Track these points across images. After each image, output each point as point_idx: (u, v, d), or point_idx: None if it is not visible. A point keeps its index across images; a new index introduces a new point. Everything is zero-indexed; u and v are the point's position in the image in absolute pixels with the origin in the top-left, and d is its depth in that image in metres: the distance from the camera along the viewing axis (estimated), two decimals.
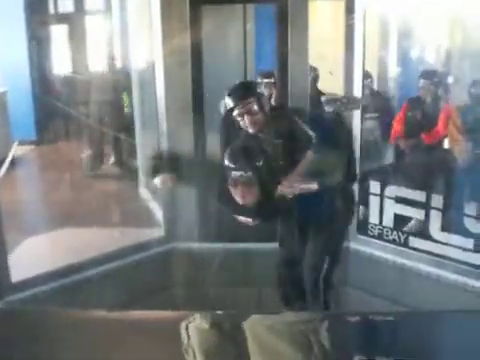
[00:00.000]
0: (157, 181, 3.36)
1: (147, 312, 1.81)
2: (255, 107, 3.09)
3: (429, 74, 4.83)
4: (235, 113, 3.12)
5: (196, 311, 1.64)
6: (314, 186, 2.98)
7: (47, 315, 1.73)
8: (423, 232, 4.06)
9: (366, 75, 4.48)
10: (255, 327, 1.61)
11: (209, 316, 1.65)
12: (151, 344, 1.50)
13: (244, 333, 1.56)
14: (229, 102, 3.15)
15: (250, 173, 2.93)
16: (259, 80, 5.42)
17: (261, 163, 2.96)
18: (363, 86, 4.16)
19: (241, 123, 3.14)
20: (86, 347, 1.52)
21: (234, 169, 2.97)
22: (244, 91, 3.17)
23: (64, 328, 1.60)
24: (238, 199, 3.00)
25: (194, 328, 1.61)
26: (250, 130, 3.13)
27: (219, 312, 1.70)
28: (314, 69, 4.94)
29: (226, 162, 3.00)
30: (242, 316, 1.64)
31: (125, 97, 6.17)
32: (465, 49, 4.55)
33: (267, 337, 1.55)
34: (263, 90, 5.41)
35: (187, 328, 1.58)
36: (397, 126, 4.90)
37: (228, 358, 1.50)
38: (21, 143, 7.46)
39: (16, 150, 7.20)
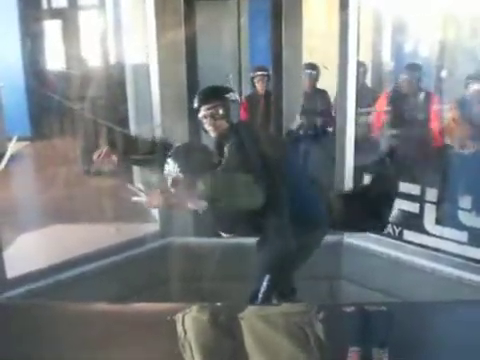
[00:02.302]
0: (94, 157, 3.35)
1: (144, 304, 1.82)
2: (220, 111, 3.10)
3: (410, 67, 4.88)
4: (199, 115, 3.14)
5: (193, 303, 1.65)
6: (198, 206, 2.88)
7: (44, 308, 1.74)
8: (417, 225, 4.08)
9: (360, 65, 4.48)
10: (251, 319, 1.62)
11: (205, 308, 1.66)
12: (148, 335, 1.51)
13: (240, 326, 1.56)
14: (195, 102, 3.17)
15: (179, 171, 2.94)
16: (252, 74, 5.46)
17: (199, 168, 2.95)
18: (357, 80, 4.17)
19: (204, 125, 3.15)
20: (82, 339, 1.53)
21: (169, 166, 2.98)
22: (211, 94, 3.19)
23: (61, 321, 1.61)
24: None
25: (191, 321, 1.62)
26: (211, 134, 3.16)
27: (215, 304, 1.71)
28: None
29: (167, 158, 3.02)
30: (238, 308, 1.65)
31: (121, 92, 6.14)
32: (459, 43, 4.57)
33: (263, 329, 1.56)
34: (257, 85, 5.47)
35: (183, 323, 1.59)
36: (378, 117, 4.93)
37: (225, 351, 1.51)
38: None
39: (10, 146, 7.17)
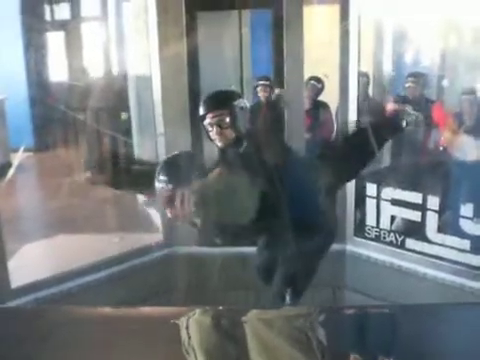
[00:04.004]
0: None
1: (148, 308, 1.83)
2: (226, 120, 2.91)
3: (415, 74, 4.94)
4: (205, 122, 2.96)
5: (196, 306, 1.66)
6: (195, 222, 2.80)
7: (48, 313, 1.76)
8: (420, 233, 4.09)
9: (362, 75, 4.51)
10: (254, 323, 1.63)
11: (209, 313, 1.68)
12: (152, 339, 1.52)
13: (244, 330, 1.58)
14: (201, 109, 2.99)
15: (171, 186, 2.78)
16: (255, 83, 5.50)
17: (188, 178, 2.80)
18: (358, 89, 4.20)
19: (210, 133, 2.98)
20: (84, 344, 1.54)
21: (160, 181, 2.84)
22: (218, 101, 3.00)
23: (65, 325, 1.62)
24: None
25: (195, 326, 1.63)
26: (217, 143, 2.97)
27: (218, 308, 1.73)
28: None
29: (157, 172, 2.87)
30: (242, 311, 1.66)
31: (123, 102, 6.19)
32: (459, 54, 4.59)
33: (266, 333, 1.57)
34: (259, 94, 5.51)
35: (188, 328, 1.60)
36: None
37: (229, 356, 1.52)
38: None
39: (14, 157, 7.19)
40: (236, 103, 2.98)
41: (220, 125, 2.92)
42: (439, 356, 1.52)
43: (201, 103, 3.03)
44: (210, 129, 2.96)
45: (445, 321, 1.65)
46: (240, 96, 3.17)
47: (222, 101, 3.00)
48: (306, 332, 1.57)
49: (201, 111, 2.99)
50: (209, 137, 3.02)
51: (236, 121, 2.94)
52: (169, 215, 2.89)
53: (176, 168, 2.87)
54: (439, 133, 4.60)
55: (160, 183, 2.83)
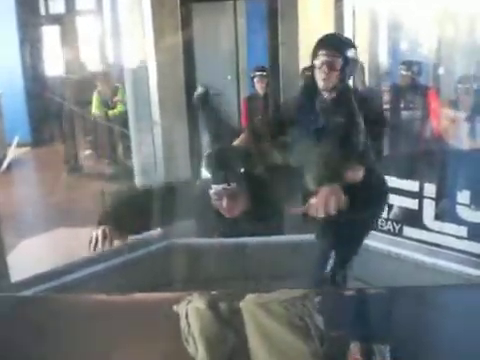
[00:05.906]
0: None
1: (147, 294, 1.84)
2: (337, 64, 2.90)
3: (407, 63, 4.97)
4: (316, 61, 2.93)
5: (193, 291, 1.67)
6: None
7: (45, 301, 1.77)
8: (417, 221, 4.10)
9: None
10: (252, 308, 1.64)
11: (208, 299, 1.69)
12: (149, 326, 1.53)
13: (243, 318, 1.59)
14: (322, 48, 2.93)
15: (234, 184, 2.56)
16: (252, 74, 5.50)
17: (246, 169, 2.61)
18: (354, 78, 4.19)
19: (318, 74, 2.94)
20: (83, 332, 1.56)
21: (213, 182, 2.59)
22: (337, 42, 3.03)
23: (64, 313, 1.64)
24: (224, 213, 2.69)
25: (194, 314, 1.63)
26: (320, 84, 2.95)
27: (215, 292, 1.74)
28: None
29: (204, 171, 2.67)
30: (239, 296, 1.67)
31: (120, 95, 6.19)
32: (455, 42, 4.59)
33: (265, 321, 1.58)
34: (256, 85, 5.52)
35: (187, 316, 1.61)
36: None
37: (229, 342, 1.53)
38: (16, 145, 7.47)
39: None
40: (348, 52, 2.96)
41: (330, 66, 2.90)
42: (434, 338, 1.53)
43: (318, 43, 2.99)
44: (319, 65, 2.93)
45: (440, 303, 1.66)
46: (354, 46, 3.10)
47: (340, 44, 3.00)
48: (304, 318, 1.58)
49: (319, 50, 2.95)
50: (313, 78, 2.98)
51: (344, 69, 2.93)
52: (227, 214, 2.70)
53: (230, 163, 2.67)
54: (434, 121, 4.61)
55: (219, 184, 2.58)
